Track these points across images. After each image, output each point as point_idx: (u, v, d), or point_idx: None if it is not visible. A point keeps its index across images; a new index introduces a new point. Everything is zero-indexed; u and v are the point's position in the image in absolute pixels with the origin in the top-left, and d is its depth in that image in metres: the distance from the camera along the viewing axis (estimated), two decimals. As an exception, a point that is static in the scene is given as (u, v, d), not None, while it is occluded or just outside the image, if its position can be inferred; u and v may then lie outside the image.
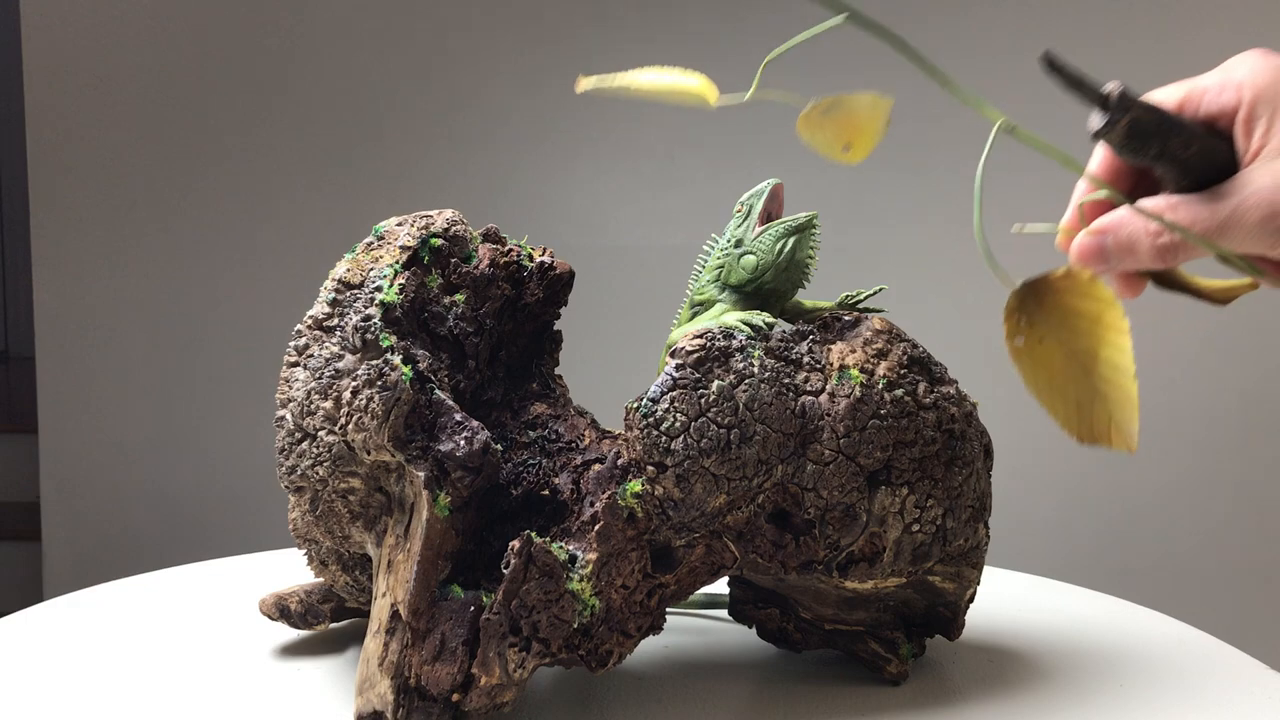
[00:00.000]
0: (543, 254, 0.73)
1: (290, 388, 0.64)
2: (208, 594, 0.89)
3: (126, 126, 1.89)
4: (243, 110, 1.87)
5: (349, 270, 0.66)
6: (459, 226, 0.70)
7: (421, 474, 0.60)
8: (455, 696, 0.59)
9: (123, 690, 0.70)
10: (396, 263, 0.66)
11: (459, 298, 0.69)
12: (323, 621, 0.76)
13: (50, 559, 1.98)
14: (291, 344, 0.65)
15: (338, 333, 0.64)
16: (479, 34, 1.80)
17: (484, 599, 0.60)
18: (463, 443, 0.61)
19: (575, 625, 0.60)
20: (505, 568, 0.59)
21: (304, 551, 0.71)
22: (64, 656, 0.75)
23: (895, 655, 0.71)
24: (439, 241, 0.68)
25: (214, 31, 1.87)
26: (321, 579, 0.74)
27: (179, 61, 1.87)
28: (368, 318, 0.63)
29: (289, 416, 0.64)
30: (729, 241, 0.70)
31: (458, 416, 0.62)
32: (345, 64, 1.84)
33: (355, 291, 0.65)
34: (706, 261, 0.72)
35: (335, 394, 0.62)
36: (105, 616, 0.83)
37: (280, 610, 0.75)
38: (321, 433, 0.62)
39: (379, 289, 0.64)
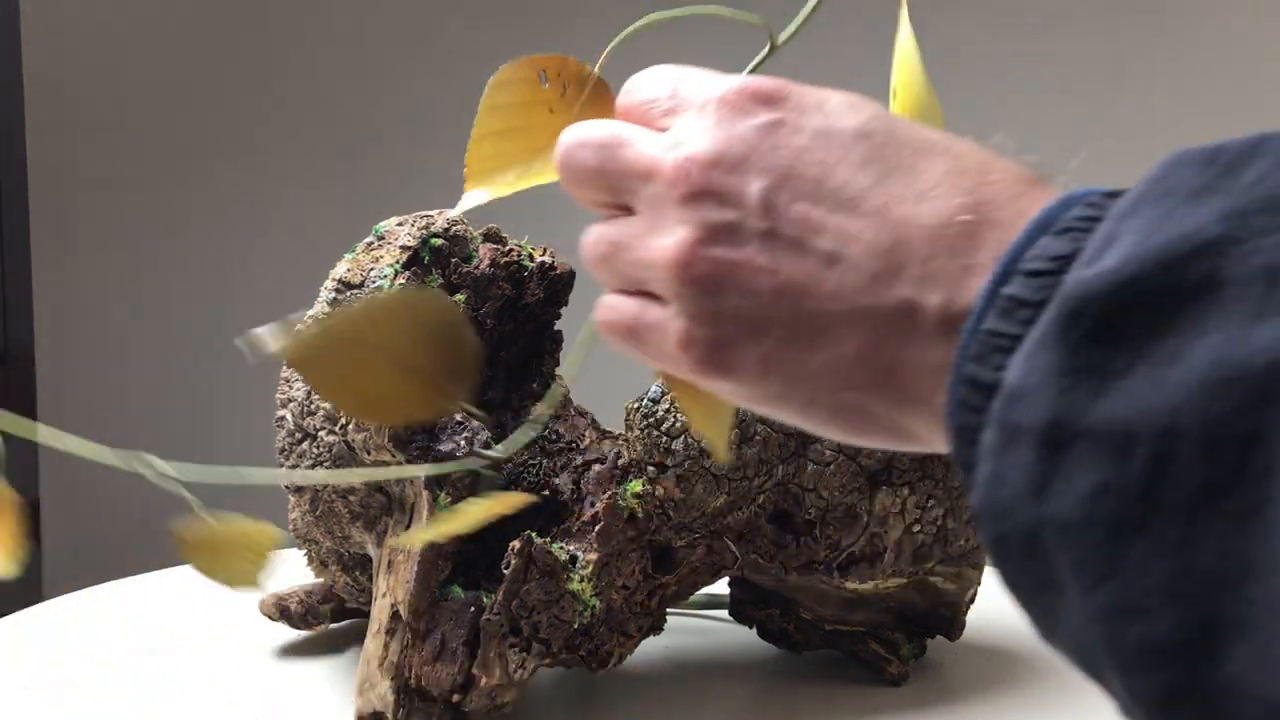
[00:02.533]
0: (543, 254, 0.73)
1: (290, 388, 0.64)
2: (208, 594, 0.89)
3: (126, 127, 1.89)
4: (242, 110, 1.87)
5: (349, 270, 0.66)
6: (459, 226, 0.70)
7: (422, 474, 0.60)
8: (455, 697, 0.59)
9: (123, 690, 0.69)
10: (397, 263, 0.66)
11: (459, 298, 0.69)
12: (323, 621, 0.76)
13: (50, 559, 1.98)
14: (292, 344, 0.65)
15: (338, 333, 0.64)
16: (478, 33, 1.80)
17: (484, 599, 0.60)
18: (463, 443, 0.61)
19: (576, 626, 0.60)
20: (505, 568, 0.59)
21: (304, 551, 0.71)
22: (64, 656, 0.75)
23: (896, 656, 0.71)
24: (439, 241, 0.68)
25: (213, 30, 1.87)
26: (321, 579, 0.74)
27: (178, 62, 1.87)
28: (368, 318, 0.63)
29: (289, 416, 0.64)
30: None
31: (458, 416, 0.62)
32: (345, 64, 1.84)
33: (355, 291, 0.65)
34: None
35: (335, 394, 0.62)
36: (105, 616, 0.83)
37: (280, 610, 0.75)
38: (321, 433, 0.62)
39: (379, 289, 0.64)
